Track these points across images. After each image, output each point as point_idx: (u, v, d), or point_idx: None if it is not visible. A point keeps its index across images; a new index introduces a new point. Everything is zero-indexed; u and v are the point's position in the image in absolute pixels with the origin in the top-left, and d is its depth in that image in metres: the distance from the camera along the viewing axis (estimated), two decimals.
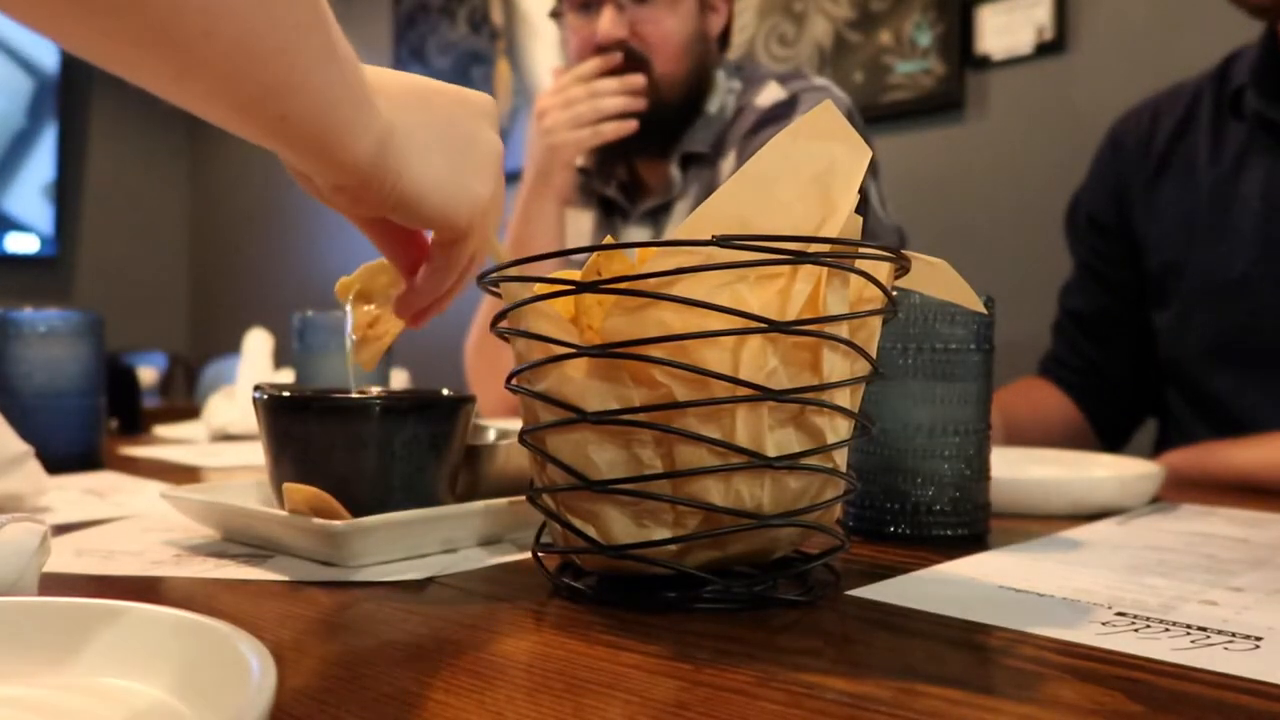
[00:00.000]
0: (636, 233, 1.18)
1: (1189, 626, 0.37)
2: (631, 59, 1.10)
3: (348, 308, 0.50)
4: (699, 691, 0.30)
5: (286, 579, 0.45)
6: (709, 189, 1.12)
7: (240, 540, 0.52)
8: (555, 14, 1.20)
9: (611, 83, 1.08)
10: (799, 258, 0.37)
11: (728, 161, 1.12)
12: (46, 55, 3.61)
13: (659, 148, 1.16)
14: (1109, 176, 1.10)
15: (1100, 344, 1.11)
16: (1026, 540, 0.54)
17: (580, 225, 1.23)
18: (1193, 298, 1.00)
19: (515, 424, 0.50)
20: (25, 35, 3.51)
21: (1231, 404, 0.97)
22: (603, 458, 0.39)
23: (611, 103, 1.08)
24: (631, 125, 1.08)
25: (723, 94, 1.16)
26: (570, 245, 1.21)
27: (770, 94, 1.13)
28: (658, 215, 1.18)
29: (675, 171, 1.16)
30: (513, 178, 1.18)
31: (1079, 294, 1.13)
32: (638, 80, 1.08)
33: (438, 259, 0.44)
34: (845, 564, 0.47)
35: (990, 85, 1.85)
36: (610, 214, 1.23)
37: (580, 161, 1.21)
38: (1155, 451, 1.05)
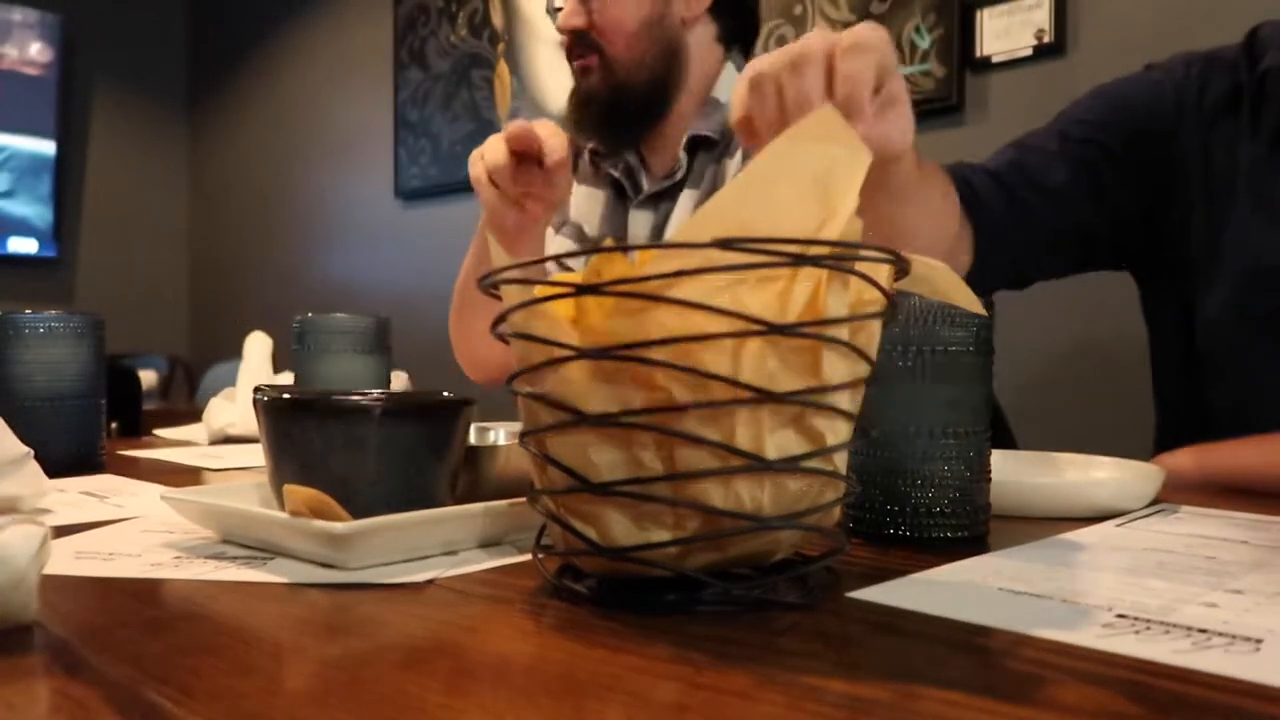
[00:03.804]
0: (639, 216, 1.18)
1: (1189, 629, 0.37)
2: (584, 44, 1.14)
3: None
4: (699, 694, 0.30)
5: (286, 581, 0.45)
6: (714, 185, 1.12)
7: (240, 542, 0.52)
8: (552, 10, 1.21)
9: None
10: (799, 260, 0.37)
11: (734, 162, 1.13)
12: (45, 55, 3.61)
13: (630, 131, 1.17)
14: (1168, 116, 1.00)
15: (1043, 212, 0.98)
16: (1027, 542, 0.54)
17: (593, 204, 1.23)
18: (1242, 279, 0.94)
19: (516, 423, 0.50)
20: (25, 34, 3.52)
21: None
22: (603, 460, 0.39)
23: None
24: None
25: (731, 85, 1.16)
26: (582, 224, 1.22)
27: None
28: (661, 200, 1.17)
29: (682, 154, 1.15)
30: None
31: (1061, 170, 1.00)
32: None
33: None
34: (845, 566, 0.47)
35: (990, 88, 1.85)
36: (621, 195, 1.23)
37: (589, 144, 1.22)
38: (1155, 452, 1.04)
